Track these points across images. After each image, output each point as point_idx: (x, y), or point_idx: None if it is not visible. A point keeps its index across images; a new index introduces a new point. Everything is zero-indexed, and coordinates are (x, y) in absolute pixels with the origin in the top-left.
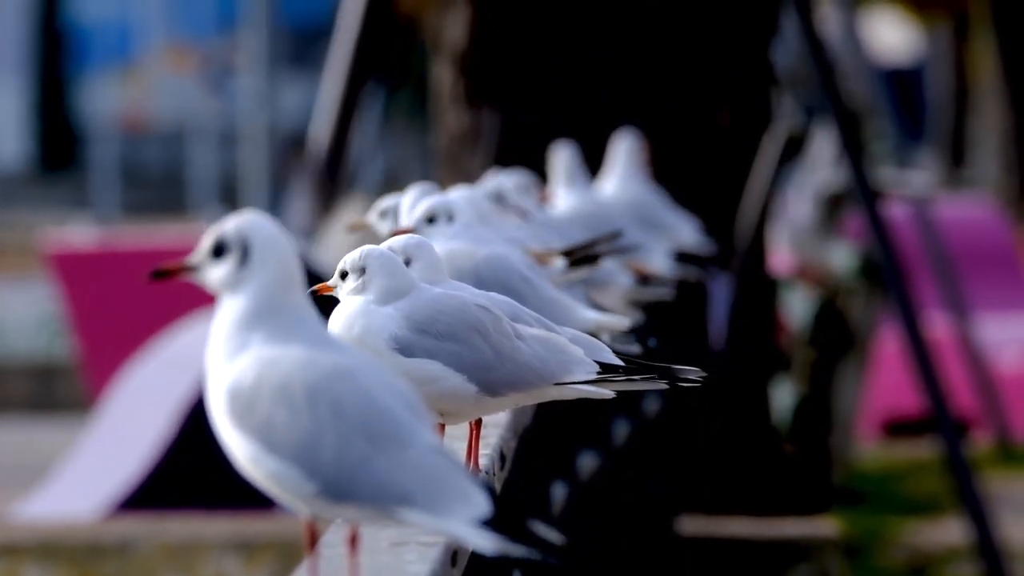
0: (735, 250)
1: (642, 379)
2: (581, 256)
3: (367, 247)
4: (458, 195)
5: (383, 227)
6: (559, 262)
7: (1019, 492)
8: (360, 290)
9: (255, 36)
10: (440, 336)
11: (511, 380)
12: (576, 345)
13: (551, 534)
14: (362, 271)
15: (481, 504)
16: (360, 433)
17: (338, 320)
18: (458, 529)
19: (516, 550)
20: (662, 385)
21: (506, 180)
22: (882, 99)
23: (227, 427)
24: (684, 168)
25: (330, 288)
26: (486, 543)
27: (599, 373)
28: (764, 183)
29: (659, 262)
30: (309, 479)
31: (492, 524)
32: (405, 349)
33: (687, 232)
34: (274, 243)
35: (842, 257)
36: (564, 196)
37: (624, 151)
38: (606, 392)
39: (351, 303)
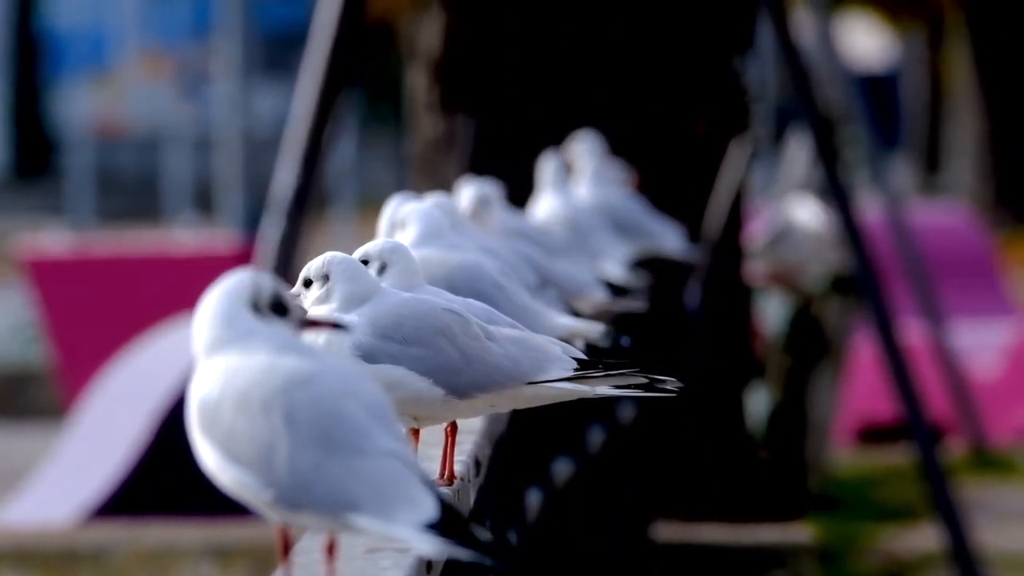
0: (709, 257)
1: (621, 374)
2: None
3: (330, 253)
4: (424, 203)
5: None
6: None
7: (994, 498)
8: (324, 298)
9: (229, 42)
10: (404, 341)
11: (480, 382)
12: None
13: (488, 535)
14: (326, 278)
15: (429, 508)
16: (313, 440)
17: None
18: (404, 533)
19: (461, 553)
20: (641, 380)
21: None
22: (857, 105)
23: (197, 436)
24: (660, 176)
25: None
26: (430, 546)
27: (577, 370)
28: (733, 190)
29: (616, 270)
30: (266, 487)
31: (438, 528)
32: (368, 355)
33: (670, 238)
34: (208, 301)
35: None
36: (547, 202)
37: (589, 153)
38: (584, 389)
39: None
